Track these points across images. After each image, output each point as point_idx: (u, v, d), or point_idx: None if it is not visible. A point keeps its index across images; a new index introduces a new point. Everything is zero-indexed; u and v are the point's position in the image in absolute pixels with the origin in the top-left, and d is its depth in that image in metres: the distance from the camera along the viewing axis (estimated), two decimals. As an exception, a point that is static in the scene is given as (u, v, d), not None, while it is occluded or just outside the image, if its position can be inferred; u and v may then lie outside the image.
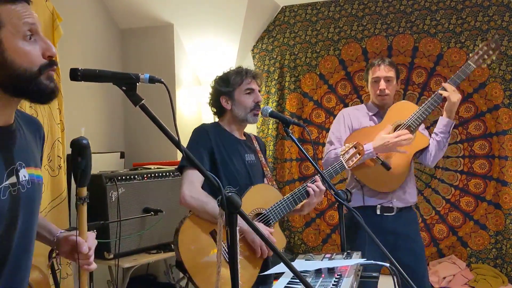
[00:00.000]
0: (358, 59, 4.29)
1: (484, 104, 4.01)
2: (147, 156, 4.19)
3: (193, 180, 2.20)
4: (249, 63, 4.51)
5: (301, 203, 2.36)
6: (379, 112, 2.89)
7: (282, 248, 2.48)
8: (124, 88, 1.32)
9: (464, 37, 4.03)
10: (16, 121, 1.29)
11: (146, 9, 4.17)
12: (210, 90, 2.48)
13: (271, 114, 2.33)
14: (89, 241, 1.41)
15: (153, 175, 3.62)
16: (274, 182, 2.59)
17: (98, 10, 4.12)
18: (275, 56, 4.48)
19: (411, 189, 2.87)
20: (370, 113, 2.90)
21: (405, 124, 2.72)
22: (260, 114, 2.46)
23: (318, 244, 4.39)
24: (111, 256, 3.27)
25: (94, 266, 1.43)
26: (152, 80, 1.34)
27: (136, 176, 3.50)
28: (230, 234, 1.37)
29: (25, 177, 1.25)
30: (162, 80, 1.34)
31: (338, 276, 1.70)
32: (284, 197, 2.32)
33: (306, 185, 2.32)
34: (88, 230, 3.07)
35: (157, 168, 3.79)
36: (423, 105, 2.71)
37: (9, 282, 1.23)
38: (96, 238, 3.12)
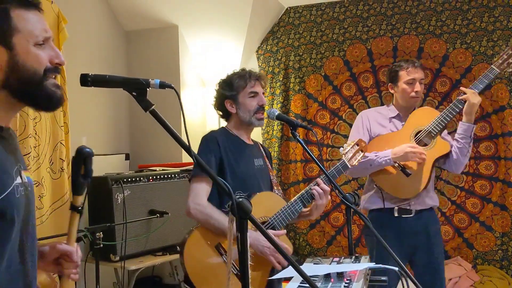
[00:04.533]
0: (363, 60, 4.28)
1: (490, 106, 3.99)
2: (152, 158, 4.19)
3: (199, 192, 2.19)
4: (253, 64, 4.51)
5: (308, 208, 2.34)
6: (399, 115, 2.86)
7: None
8: (134, 93, 1.33)
9: (469, 38, 4.02)
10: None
11: (150, 11, 4.16)
12: (215, 93, 2.47)
13: (278, 117, 2.33)
14: (78, 251, 1.40)
15: (158, 177, 3.62)
16: (280, 188, 2.58)
17: (103, 12, 4.12)
18: (279, 57, 4.47)
19: (431, 192, 2.83)
20: (391, 115, 2.88)
21: (425, 130, 2.70)
22: (266, 117, 2.45)
23: (323, 246, 4.38)
24: (117, 258, 3.27)
25: (77, 277, 1.41)
26: (162, 85, 1.34)
27: (141, 178, 3.51)
28: (241, 240, 1.37)
29: (25, 179, 1.26)
30: (172, 85, 1.34)
31: (348, 281, 1.69)
32: (288, 202, 2.30)
33: (310, 188, 2.31)
34: (95, 232, 3.06)
35: (162, 170, 3.79)
36: (444, 111, 2.68)
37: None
38: (102, 240, 3.11)
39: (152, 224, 3.52)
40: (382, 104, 4.19)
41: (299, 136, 2.21)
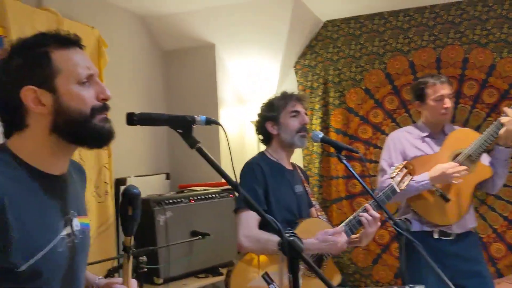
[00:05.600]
0: (405, 73, 4.16)
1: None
2: (192, 177, 4.17)
3: (249, 222, 2.15)
4: (291, 80, 4.46)
5: (356, 235, 2.26)
6: (432, 133, 2.76)
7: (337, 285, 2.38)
8: (180, 131, 1.30)
9: (517, 46, 3.85)
10: (69, 169, 1.28)
11: (188, 30, 4.18)
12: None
13: (323, 140, 2.27)
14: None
15: (199, 197, 3.60)
16: (323, 213, 2.51)
17: (141, 33, 4.15)
18: (318, 72, 4.40)
19: (469, 214, 2.72)
20: (423, 135, 2.78)
21: (465, 153, 2.58)
22: (309, 138, 2.39)
23: (368, 265, 4.25)
24: (161, 281, 3.26)
25: None
26: (208, 122, 1.31)
27: (182, 199, 3.49)
28: (293, 281, 1.31)
29: (77, 226, 1.23)
30: (219, 122, 1.31)
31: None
32: None
33: (358, 214, 2.23)
34: (139, 256, 3.07)
35: (203, 189, 3.77)
36: (484, 132, 2.55)
37: None
38: (146, 263, 3.11)
39: (194, 245, 3.49)
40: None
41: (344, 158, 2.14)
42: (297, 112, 2.35)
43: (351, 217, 2.23)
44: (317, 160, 4.36)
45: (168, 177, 4.18)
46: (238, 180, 2.29)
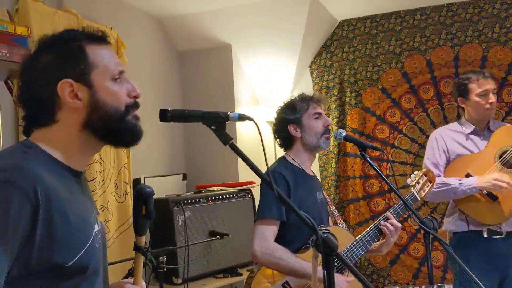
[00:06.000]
0: (423, 72, 4.13)
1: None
2: (209, 177, 4.18)
3: (265, 235, 2.11)
4: (307, 80, 4.44)
5: (376, 243, 2.23)
6: (476, 129, 2.72)
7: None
8: (213, 127, 1.29)
9: (537, 44, 3.81)
10: None
11: (204, 31, 4.18)
12: (275, 121, 2.39)
13: (346, 138, 2.24)
14: None
15: (217, 197, 3.60)
16: (343, 221, 2.49)
17: (157, 34, 4.16)
18: (334, 72, 4.38)
19: None
20: (467, 131, 2.74)
21: None
22: (333, 138, 2.37)
23: (386, 266, 4.22)
24: (180, 281, 3.25)
25: None
26: (242, 117, 1.30)
27: (200, 199, 3.49)
28: (327, 277, 1.30)
29: (100, 224, 1.23)
30: (252, 117, 1.29)
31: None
32: (357, 238, 2.18)
33: (379, 223, 2.20)
34: (159, 255, 3.07)
35: (221, 190, 3.77)
36: None
37: None
38: (166, 263, 3.11)
39: (213, 245, 3.49)
40: (445, 117, 4.03)
41: (356, 151, 2.12)
42: (319, 114, 2.31)
43: (372, 225, 2.20)
44: (334, 160, 4.34)
45: (184, 177, 4.19)
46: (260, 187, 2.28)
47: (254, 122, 1.29)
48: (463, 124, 2.74)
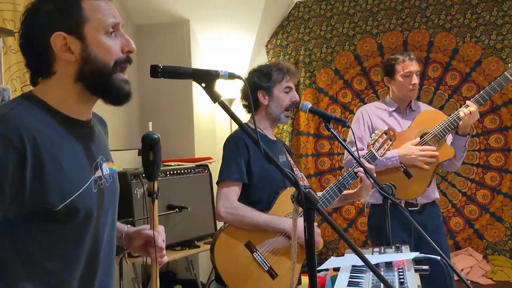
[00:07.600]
0: (374, 54, 4.31)
1: (499, 98, 4.05)
2: (165, 154, 4.13)
3: (228, 195, 2.18)
4: (263, 59, 4.51)
5: (350, 191, 2.34)
6: (399, 107, 2.88)
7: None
8: (203, 85, 1.33)
9: (479, 31, 4.07)
10: (93, 118, 1.29)
11: (161, 5, 4.14)
12: (245, 82, 2.42)
13: (311, 110, 2.32)
14: (161, 234, 1.41)
15: (175, 172, 3.61)
16: (307, 182, 2.57)
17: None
18: (289, 52, 4.48)
19: (433, 186, 2.86)
20: (390, 109, 2.90)
21: (432, 133, 2.71)
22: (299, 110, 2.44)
23: (335, 239, 4.41)
24: (137, 254, 3.25)
25: (166, 258, 1.43)
26: (232, 76, 1.34)
27: (159, 173, 3.49)
28: (308, 230, 1.38)
29: (107, 171, 1.25)
30: (241, 76, 1.34)
31: (401, 270, 1.71)
32: (328, 187, 2.28)
33: (353, 170, 2.28)
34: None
35: (178, 165, 3.78)
36: (451, 115, 2.68)
37: (104, 280, 1.23)
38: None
39: (170, 219, 3.51)
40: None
41: (310, 129, 2.21)
42: (290, 88, 2.36)
43: (345, 174, 2.29)
44: (287, 138, 4.46)
45: (139, 153, 4.16)
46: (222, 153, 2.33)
47: (243, 80, 1.34)
48: (387, 103, 2.91)
